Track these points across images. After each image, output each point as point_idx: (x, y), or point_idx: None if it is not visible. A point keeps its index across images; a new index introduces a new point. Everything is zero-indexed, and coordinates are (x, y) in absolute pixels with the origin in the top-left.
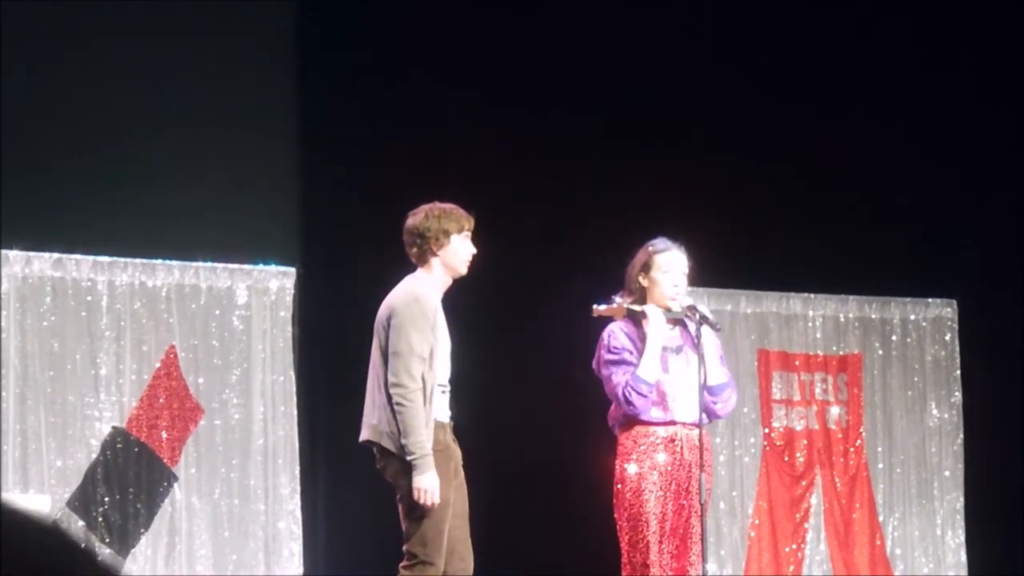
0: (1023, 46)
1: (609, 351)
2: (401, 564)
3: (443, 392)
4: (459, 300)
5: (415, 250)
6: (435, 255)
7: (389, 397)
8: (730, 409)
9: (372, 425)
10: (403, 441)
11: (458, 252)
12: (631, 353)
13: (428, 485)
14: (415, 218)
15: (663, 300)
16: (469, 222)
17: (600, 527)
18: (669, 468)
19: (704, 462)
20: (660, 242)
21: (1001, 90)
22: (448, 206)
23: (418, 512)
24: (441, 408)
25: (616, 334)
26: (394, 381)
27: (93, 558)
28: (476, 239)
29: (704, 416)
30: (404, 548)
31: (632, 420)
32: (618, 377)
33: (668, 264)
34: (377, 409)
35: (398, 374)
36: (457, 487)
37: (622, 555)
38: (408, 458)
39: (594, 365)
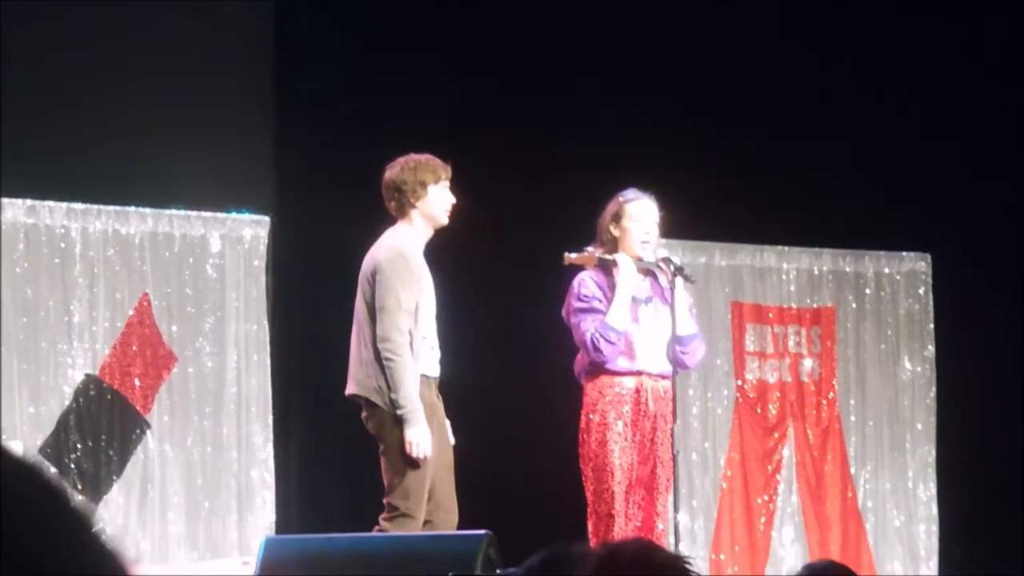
0: None
1: (579, 299)
2: (381, 516)
3: (431, 348)
4: (432, 252)
5: (394, 203)
6: (414, 207)
7: (377, 352)
8: (698, 360)
9: (359, 380)
10: (392, 396)
11: (437, 202)
12: (601, 301)
13: (419, 438)
14: (391, 171)
15: (634, 249)
16: (446, 171)
17: (569, 476)
18: (634, 418)
19: (674, 413)
20: (630, 192)
21: (978, 42)
22: (424, 157)
23: (402, 465)
24: (428, 363)
25: (586, 282)
26: (382, 336)
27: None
28: (454, 188)
29: (675, 366)
30: (385, 500)
31: (598, 370)
32: (587, 325)
33: (638, 213)
34: (364, 364)
35: (386, 329)
36: (441, 442)
37: (588, 505)
38: (398, 412)
39: (564, 313)
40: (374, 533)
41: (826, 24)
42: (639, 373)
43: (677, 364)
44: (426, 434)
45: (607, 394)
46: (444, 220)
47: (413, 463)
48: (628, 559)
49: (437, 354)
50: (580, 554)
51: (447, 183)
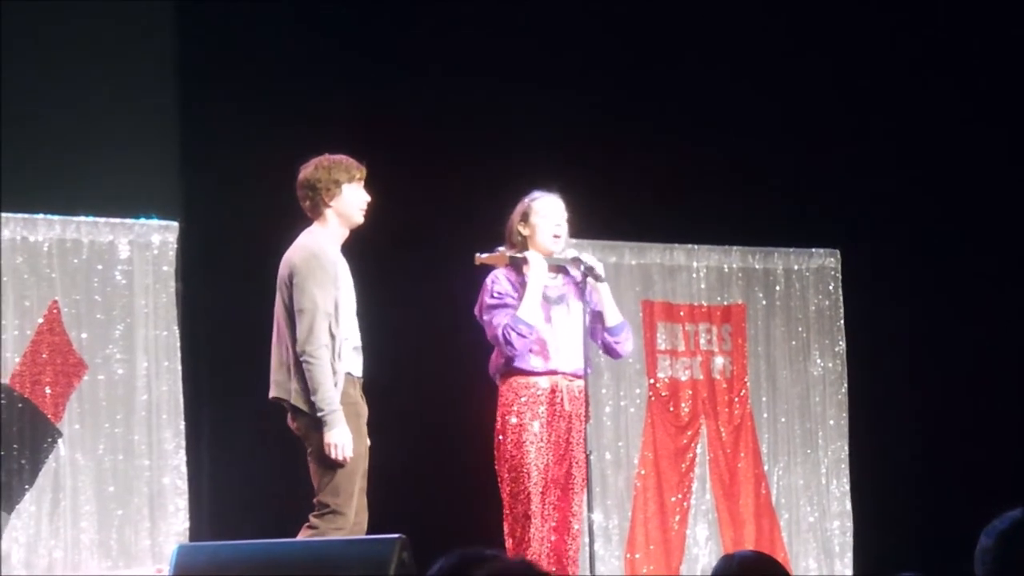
0: None
1: (491, 296)
2: (312, 514)
3: (354, 348)
4: (350, 251)
5: (308, 203)
6: (328, 206)
7: (296, 355)
8: (631, 348)
9: (279, 382)
10: (312, 398)
11: (351, 201)
12: (513, 298)
13: (339, 440)
14: (306, 171)
15: (545, 245)
16: (360, 171)
17: (486, 478)
18: (550, 419)
19: (586, 412)
20: (536, 192)
21: (887, 41)
22: (338, 156)
23: (330, 463)
24: (351, 362)
25: (499, 280)
26: (301, 339)
27: None
28: (368, 188)
29: (608, 355)
30: (315, 500)
31: (513, 370)
32: (499, 320)
33: (545, 210)
34: (284, 367)
35: (304, 332)
36: (365, 442)
37: (503, 506)
38: (318, 414)
39: (476, 311)
40: (300, 536)
41: (731, 19)
42: (554, 372)
43: (611, 353)
44: (346, 435)
45: (523, 395)
46: (359, 219)
47: (342, 462)
48: None
49: (360, 354)
50: (491, 556)
51: (361, 182)
